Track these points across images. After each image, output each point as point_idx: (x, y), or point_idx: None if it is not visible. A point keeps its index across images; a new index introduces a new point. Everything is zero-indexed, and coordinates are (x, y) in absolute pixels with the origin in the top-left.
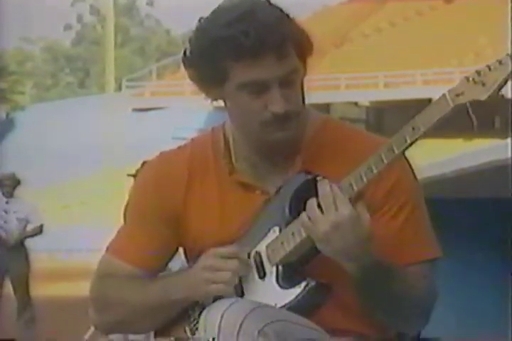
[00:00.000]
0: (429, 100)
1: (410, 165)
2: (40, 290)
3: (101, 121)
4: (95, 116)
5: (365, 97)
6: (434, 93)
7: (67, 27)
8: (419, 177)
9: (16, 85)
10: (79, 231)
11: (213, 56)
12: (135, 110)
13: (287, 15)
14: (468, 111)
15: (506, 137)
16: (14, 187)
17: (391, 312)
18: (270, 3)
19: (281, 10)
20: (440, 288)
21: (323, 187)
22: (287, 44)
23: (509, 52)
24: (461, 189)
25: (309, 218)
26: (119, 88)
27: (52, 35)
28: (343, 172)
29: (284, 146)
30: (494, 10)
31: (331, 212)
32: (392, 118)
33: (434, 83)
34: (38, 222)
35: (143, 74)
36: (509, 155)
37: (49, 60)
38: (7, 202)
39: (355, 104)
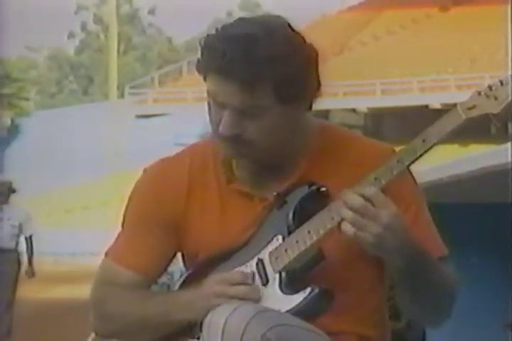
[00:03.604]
0: (426, 106)
1: (410, 171)
2: (45, 292)
3: (104, 127)
4: (99, 122)
5: (363, 104)
6: (431, 100)
7: (71, 35)
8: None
9: (20, 91)
10: (82, 235)
11: (201, 58)
12: (138, 117)
13: (289, 56)
14: (492, 121)
15: (501, 143)
16: (9, 195)
17: (429, 301)
18: (277, 36)
19: (285, 48)
20: None
21: (351, 196)
22: (259, 83)
23: (509, 62)
24: (457, 194)
25: (354, 225)
26: (121, 95)
27: (56, 43)
28: (344, 178)
29: (249, 160)
30: (488, 18)
31: (379, 215)
32: (389, 124)
33: (431, 90)
34: (31, 229)
35: (145, 81)
36: (506, 160)
37: (53, 67)
38: (1, 210)
39: (354, 110)
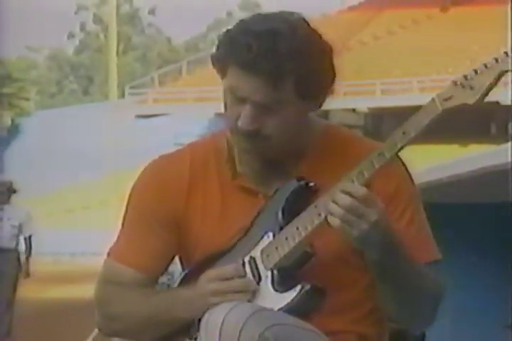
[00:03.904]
0: None
1: (408, 172)
2: (44, 292)
3: (104, 127)
4: (99, 122)
5: (363, 104)
6: None
7: (71, 35)
8: (416, 182)
9: (20, 91)
10: (82, 235)
11: (222, 52)
12: (138, 117)
13: (310, 51)
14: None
15: (501, 143)
16: (9, 195)
17: (408, 303)
18: (300, 32)
19: (307, 43)
20: None
21: (338, 194)
22: (282, 78)
23: (496, 56)
24: (457, 194)
25: (343, 221)
26: (122, 95)
27: (56, 43)
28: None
29: (260, 155)
30: (488, 18)
31: (367, 213)
32: (389, 124)
33: (431, 90)
34: (31, 229)
35: (145, 81)
36: (506, 160)
37: (53, 67)
38: (1, 209)
39: (354, 110)
